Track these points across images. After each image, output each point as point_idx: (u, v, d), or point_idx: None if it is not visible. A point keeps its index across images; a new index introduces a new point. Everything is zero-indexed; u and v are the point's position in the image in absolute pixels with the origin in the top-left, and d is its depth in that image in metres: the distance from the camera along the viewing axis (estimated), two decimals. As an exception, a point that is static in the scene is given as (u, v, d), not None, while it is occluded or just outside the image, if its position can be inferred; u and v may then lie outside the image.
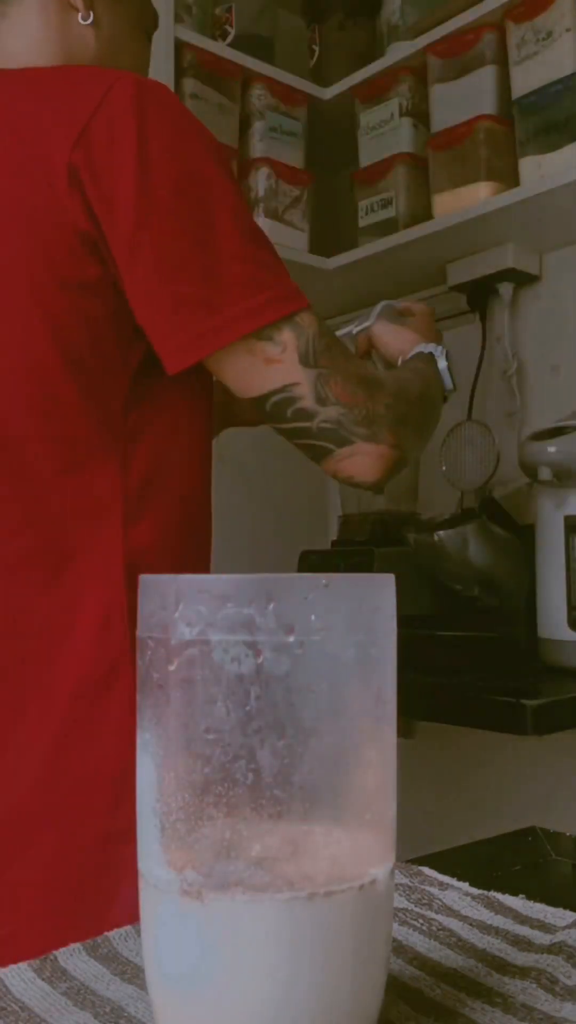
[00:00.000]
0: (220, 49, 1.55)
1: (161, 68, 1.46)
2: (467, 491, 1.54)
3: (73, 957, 0.45)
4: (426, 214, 1.55)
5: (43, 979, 0.43)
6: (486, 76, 1.48)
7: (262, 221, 1.57)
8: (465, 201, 1.47)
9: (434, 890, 0.52)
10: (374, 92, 1.65)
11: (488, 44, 1.47)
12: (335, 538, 1.77)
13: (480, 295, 1.62)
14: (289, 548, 1.70)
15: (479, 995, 0.40)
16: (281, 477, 1.86)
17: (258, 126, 1.61)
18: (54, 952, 0.45)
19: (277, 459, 1.86)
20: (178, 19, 1.49)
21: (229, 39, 1.59)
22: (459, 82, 1.51)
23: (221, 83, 1.56)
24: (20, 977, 0.43)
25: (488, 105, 1.47)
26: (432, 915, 0.49)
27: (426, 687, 1.11)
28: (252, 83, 1.60)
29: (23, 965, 0.44)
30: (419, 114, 1.60)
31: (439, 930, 0.47)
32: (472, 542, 1.42)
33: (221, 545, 1.77)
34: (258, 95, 1.61)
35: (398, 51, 1.59)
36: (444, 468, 1.59)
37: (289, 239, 1.60)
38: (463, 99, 1.50)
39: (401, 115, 1.61)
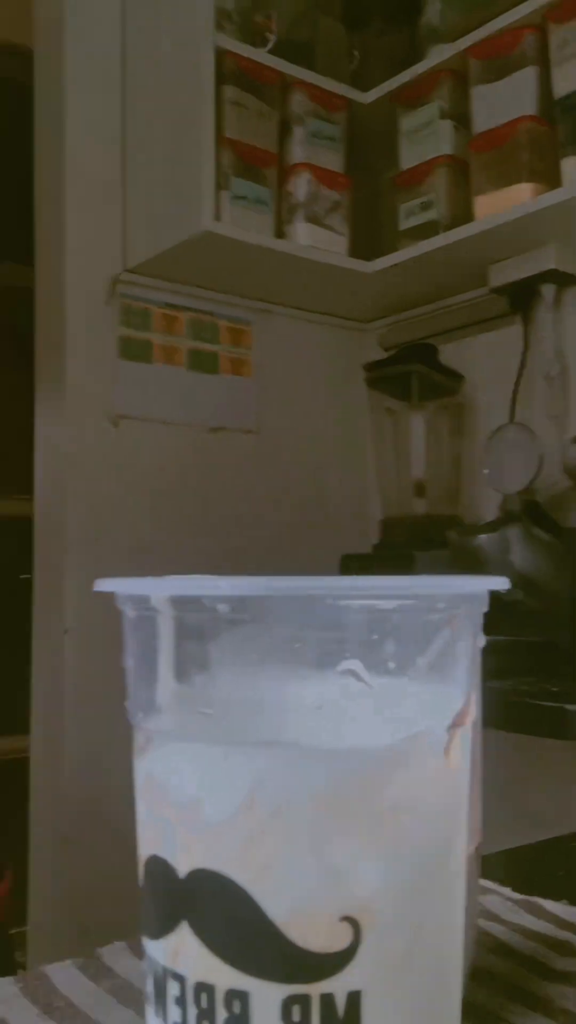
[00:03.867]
0: (260, 56, 1.56)
1: (202, 76, 1.48)
2: (509, 494, 1.53)
3: (117, 955, 0.46)
4: (467, 216, 1.54)
5: (88, 976, 0.43)
6: (527, 77, 1.47)
7: (302, 226, 1.58)
8: (507, 202, 1.46)
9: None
10: (414, 95, 1.65)
11: (529, 45, 1.46)
12: (376, 541, 1.76)
13: (522, 297, 1.62)
14: (330, 552, 1.70)
15: (519, 1000, 0.40)
16: (323, 481, 1.87)
17: (298, 132, 1.62)
18: (99, 949, 0.46)
19: (319, 463, 1.87)
20: (219, 27, 1.50)
21: (269, 46, 1.60)
22: (500, 83, 1.51)
23: (261, 89, 1.57)
24: (65, 974, 0.44)
25: (529, 106, 1.46)
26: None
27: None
28: (292, 89, 1.61)
29: (68, 962, 0.45)
30: (460, 116, 1.60)
31: (481, 934, 0.47)
32: (514, 545, 1.41)
33: (263, 548, 1.78)
34: (298, 101, 1.62)
35: (439, 54, 1.59)
36: (486, 471, 1.59)
37: (329, 243, 1.61)
38: (504, 100, 1.49)
39: (441, 118, 1.61)
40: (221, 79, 1.51)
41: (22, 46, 1.80)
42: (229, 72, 1.52)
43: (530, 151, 1.45)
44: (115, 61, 1.63)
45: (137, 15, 1.63)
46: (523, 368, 1.62)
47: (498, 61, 1.51)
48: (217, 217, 1.47)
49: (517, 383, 1.62)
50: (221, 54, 1.50)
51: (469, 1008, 0.39)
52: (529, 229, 1.47)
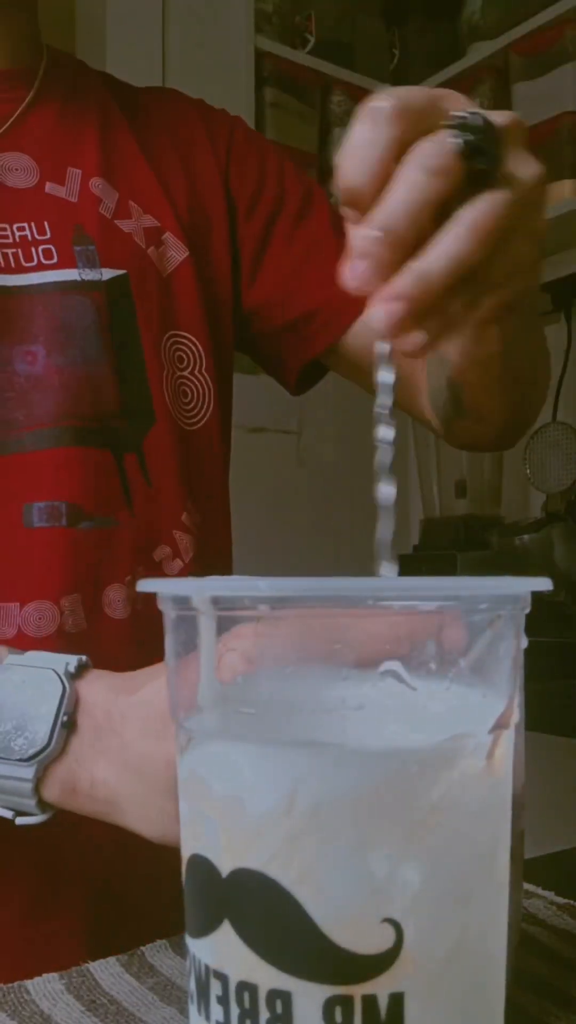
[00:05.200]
0: (300, 57, 1.56)
1: (242, 78, 1.48)
2: (552, 494, 1.51)
3: (159, 953, 0.46)
4: (508, 214, 1.53)
5: (131, 974, 0.44)
6: (569, 73, 1.45)
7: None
8: (549, 199, 1.45)
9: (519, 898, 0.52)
10: (455, 93, 1.64)
11: (570, 40, 1.45)
12: (417, 542, 1.76)
13: (565, 294, 1.60)
14: (371, 552, 1.69)
15: (563, 1004, 0.40)
16: (363, 481, 1.86)
17: (338, 132, 1.62)
18: (141, 948, 0.46)
19: (359, 463, 1.86)
20: (258, 29, 1.51)
21: (309, 47, 1.61)
22: (541, 80, 1.49)
23: (301, 91, 1.57)
24: (109, 972, 0.44)
25: (572, 102, 1.45)
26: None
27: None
28: (332, 89, 1.61)
29: (112, 960, 0.45)
30: (501, 113, 1.59)
31: (524, 938, 0.47)
32: (557, 546, 1.40)
33: (302, 548, 1.77)
34: (338, 101, 1.62)
35: (479, 51, 1.58)
36: (528, 471, 1.57)
37: (370, 243, 1.61)
38: (546, 97, 1.48)
39: (482, 115, 1.60)
40: (261, 81, 1.51)
41: (64, 51, 1.82)
42: (269, 74, 1.52)
43: (572, 147, 1.44)
44: (156, 64, 1.64)
45: (178, 19, 1.64)
46: (566, 366, 1.60)
47: (539, 57, 1.49)
48: (257, 219, 1.48)
49: (560, 381, 1.60)
50: (261, 56, 1.50)
51: (512, 1011, 0.39)
52: (571, 225, 1.45)
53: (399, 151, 0.35)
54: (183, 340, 0.64)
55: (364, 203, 0.35)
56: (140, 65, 1.61)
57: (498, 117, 0.36)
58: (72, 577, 0.59)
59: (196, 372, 0.65)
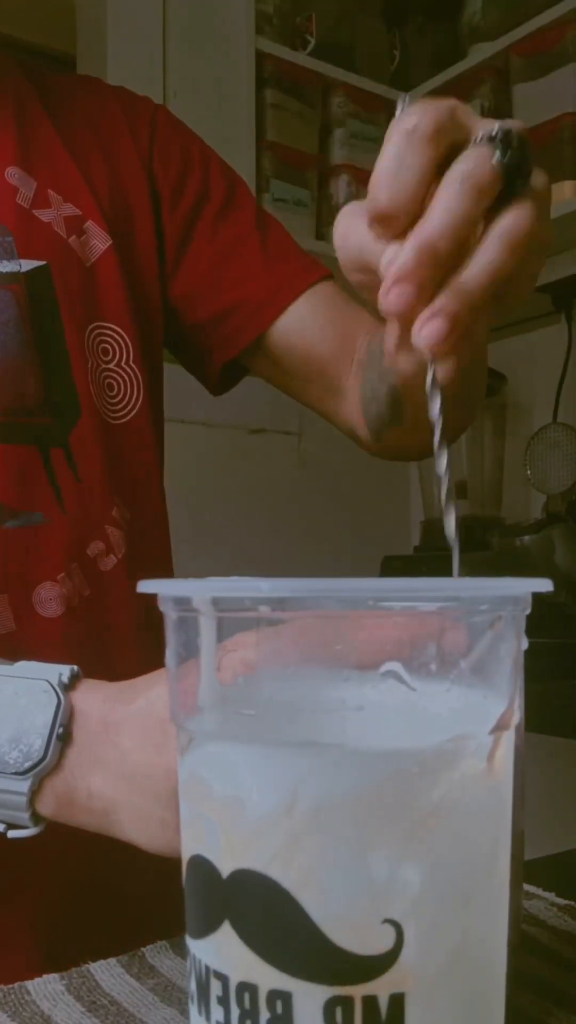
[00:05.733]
0: (300, 59, 1.56)
1: (243, 79, 1.48)
2: (553, 495, 1.52)
3: (160, 954, 0.46)
4: (509, 215, 1.53)
5: (131, 975, 0.44)
6: (570, 74, 1.45)
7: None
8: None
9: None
10: (456, 94, 1.63)
11: (571, 41, 1.45)
12: (417, 543, 1.76)
13: (566, 295, 1.60)
14: (371, 553, 1.69)
15: (563, 1005, 0.40)
16: (363, 482, 1.86)
17: (339, 133, 1.62)
18: (142, 949, 0.46)
19: (359, 464, 1.86)
20: (259, 30, 1.51)
21: (309, 48, 1.61)
22: (542, 81, 1.50)
23: (302, 92, 1.57)
24: (109, 972, 0.44)
25: (572, 103, 1.45)
26: (517, 924, 0.48)
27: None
28: (333, 91, 1.61)
29: (112, 961, 0.45)
30: (501, 115, 1.58)
31: (525, 939, 0.47)
32: (558, 547, 1.40)
33: (304, 549, 1.77)
34: (339, 103, 1.62)
35: (480, 52, 1.58)
36: (529, 472, 1.57)
37: (370, 244, 1.61)
38: (547, 98, 1.48)
39: (483, 116, 1.60)
40: (261, 82, 1.51)
41: (65, 52, 1.82)
42: (269, 75, 1.52)
43: (572, 148, 1.44)
44: (157, 66, 1.64)
45: (178, 20, 1.64)
46: (567, 367, 1.60)
47: (540, 58, 1.50)
48: (258, 220, 1.48)
49: (561, 382, 1.60)
50: (261, 57, 1.51)
51: (512, 1012, 0.39)
52: (572, 227, 1.45)
53: (435, 172, 0.35)
54: (108, 331, 0.64)
55: (399, 225, 0.35)
56: (140, 67, 1.61)
57: (515, 126, 0.37)
58: None
59: (123, 364, 0.65)
